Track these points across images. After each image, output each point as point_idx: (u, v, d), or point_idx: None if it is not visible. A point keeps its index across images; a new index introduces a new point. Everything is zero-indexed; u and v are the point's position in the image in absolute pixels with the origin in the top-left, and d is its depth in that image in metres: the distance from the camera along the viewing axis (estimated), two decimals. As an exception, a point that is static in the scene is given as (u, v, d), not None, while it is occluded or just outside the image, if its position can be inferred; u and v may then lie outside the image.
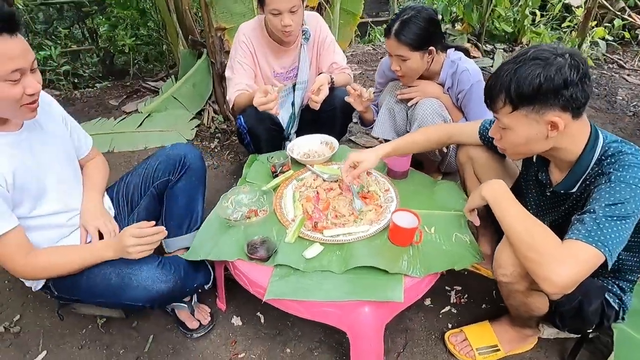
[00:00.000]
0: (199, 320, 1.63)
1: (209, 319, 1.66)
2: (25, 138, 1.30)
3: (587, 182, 1.20)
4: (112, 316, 1.69)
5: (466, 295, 1.76)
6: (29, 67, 1.14)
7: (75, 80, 4.20)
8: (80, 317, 1.70)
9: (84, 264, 1.34)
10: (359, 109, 2.00)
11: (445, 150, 2.01)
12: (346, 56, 4.53)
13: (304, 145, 1.94)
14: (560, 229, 1.10)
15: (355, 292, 1.27)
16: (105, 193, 1.63)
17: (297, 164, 1.85)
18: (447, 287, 1.80)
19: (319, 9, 3.26)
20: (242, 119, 1.97)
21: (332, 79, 1.96)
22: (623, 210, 1.04)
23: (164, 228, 1.34)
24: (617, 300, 1.29)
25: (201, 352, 1.58)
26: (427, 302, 1.74)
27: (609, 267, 1.04)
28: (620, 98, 3.57)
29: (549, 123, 1.12)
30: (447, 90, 1.95)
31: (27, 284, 1.47)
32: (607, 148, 1.16)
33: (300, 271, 1.34)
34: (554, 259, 1.02)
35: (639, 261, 1.26)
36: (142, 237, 1.30)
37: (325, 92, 1.87)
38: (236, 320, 1.69)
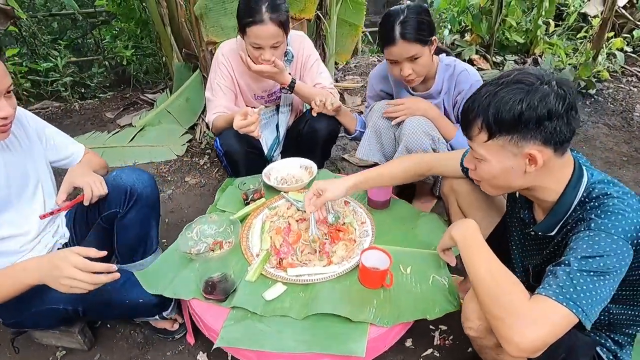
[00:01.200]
0: (176, 320, 1.61)
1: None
2: None
3: (568, 227, 1.06)
4: (72, 347, 1.61)
5: (451, 337, 1.62)
6: (3, 91, 1.16)
7: (83, 91, 4.21)
8: (42, 348, 1.63)
9: (7, 293, 1.14)
10: (329, 114, 1.90)
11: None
12: (350, 68, 4.44)
13: (282, 170, 1.83)
14: (543, 277, 0.97)
15: (312, 343, 1.15)
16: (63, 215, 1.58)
17: (274, 190, 1.75)
18: (431, 326, 1.66)
19: (317, 19, 3.17)
20: (218, 141, 1.88)
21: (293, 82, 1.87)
22: (602, 264, 0.90)
23: (116, 268, 1.16)
24: (610, 357, 1.14)
25: (161, 391, 1.49)
26: (408, 342, 1.60)
27: (588, 328, 0.90)
28: (638, 115, 3.35)
29: (527, 157, 0.99)
30: (443, 97, 1.84)
31: None
32: (591, 189, 1.02)
33: (258, 315, 1.23)
34: (519, 317, 0.89)
35: (636, 314, 1.11)
36: (87, 271, 1.10)
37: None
38: (202, 357, 1.58)
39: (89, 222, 1.57)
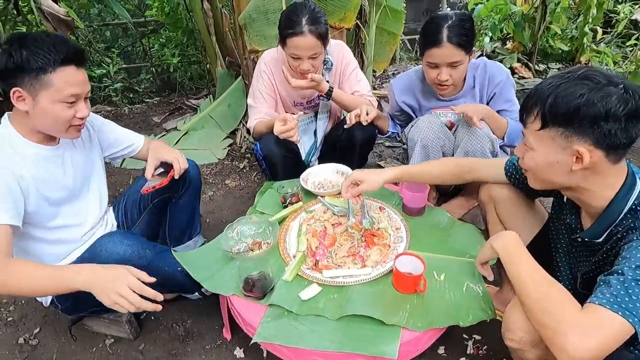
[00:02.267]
0: None
1: None
2: (60, 154, 1.45)
3: (618, 236, 1.04)
4: (120, 336, 1.73)
5: (485, 347, 1.61)
6: (83, 95, 1.35)
7: (132, 96, 4.46)
8: (93, 335, 1.75)
9: (47, 288, 1.18)
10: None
11: None
12: (387, 75, 4.46)
13: (318, 174, 1.89)
14: (592, 284, 0.97)
15: (345, 343, 1.19)
16: (110, 208, 1.72)
17: (311, 194, 1.80)
18: (464, 335, 1.65)
19: (356, 28, 3.22)
20: (258, 145, 1.97)
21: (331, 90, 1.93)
22: None
23: (162, 299, 1.18)
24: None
25: (200, 382, 1.56)
26: (441, 350, 1.60)
27: None
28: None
29: (575, 154, 0.98)
30: (477, 93, 1.87)
31: (38, 299, 1.55)
32: None
33: (294, 313, 1.28)
34: (572, 326, 0.88)
35: None
36: (138, 293, 1.14)
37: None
38: (239, 353, 1.65)
39: (141, 209, 1.72)
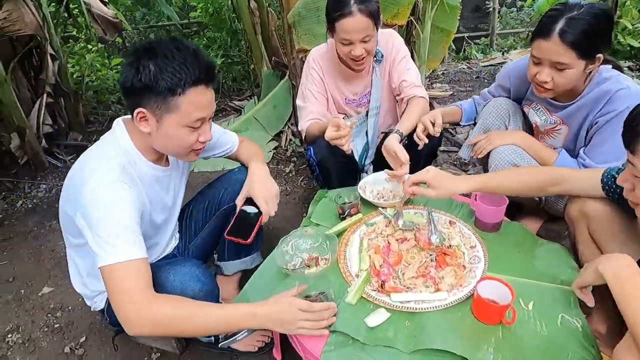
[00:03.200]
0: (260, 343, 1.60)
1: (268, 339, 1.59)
2: (169, 175, 1.38)
3: None
4: (167, 350, 1.64)
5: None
6: (208, 118, 1.22)
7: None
8: (139, 348, 1.67)
9: (219, 329, 1.20)
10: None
11: None
12: (437, 75, 4.24)
13: (377, 183, 1.73)
14: None
15: (424, 382, 1.03)
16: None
17: (370, 205, 1.65)
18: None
19: (408, 25, 3.05)
20: (312, 150, 1.83)
21: (401, 135, 1.69)
22: None
23: (335, 305, 1.19)
24: None
25: (247, 407, 1.45)
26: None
27: None
28: None
29: None
30: (580, 115, 1.51)
31: (88, 302, 1.48)
32: None
33: (360, 342, 1.14)
34: None
35: None
36: (312, 311, 1.13)
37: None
38: (290, 374, 1.52)
39: (207, 218, 1.63)
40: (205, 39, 4.43)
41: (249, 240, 1.38)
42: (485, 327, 1.14)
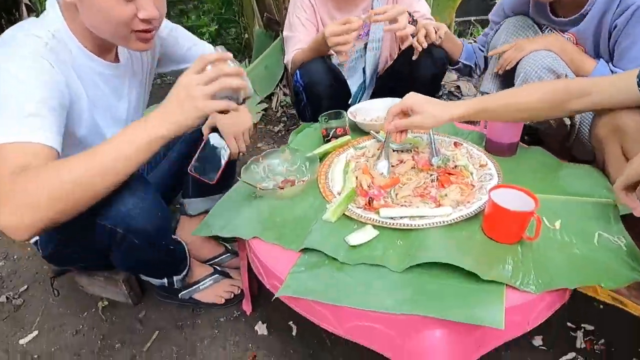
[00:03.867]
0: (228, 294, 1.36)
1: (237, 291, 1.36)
2: (120, 76, 1.13)
3: None
4: (118, 300, 1.39)
5: (602, 340, 1.14)
6: None
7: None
8: (85, 298, 1.43)
9: (112, 149, 0.82)
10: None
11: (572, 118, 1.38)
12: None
13: (370, 111, 1.47)
14: None
15: (422, 303, 0.77)
16: None
17: (360, 131, 1.40)
18: (569, 324, 1.19)
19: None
20: (298, 73, 1.57)
21: (413, 19, 1.45)
22: None
23: (231, 56, 0.91)
24: None
25: (209, 362, 1.19)
26: (537, 341, 1.15)
27: None
28: None
29: None
30: (595, 20, 1.29)
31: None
32: None
33: (339, 262, 0.88)
34: None
35: None
36: (205, 63, 0.85)
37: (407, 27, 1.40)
38: (261, 328, 1.27)
39: (168, 144, 1.35)
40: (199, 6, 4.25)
41: (214, 180, 1.15)
42: (501, 246, 0.88)
